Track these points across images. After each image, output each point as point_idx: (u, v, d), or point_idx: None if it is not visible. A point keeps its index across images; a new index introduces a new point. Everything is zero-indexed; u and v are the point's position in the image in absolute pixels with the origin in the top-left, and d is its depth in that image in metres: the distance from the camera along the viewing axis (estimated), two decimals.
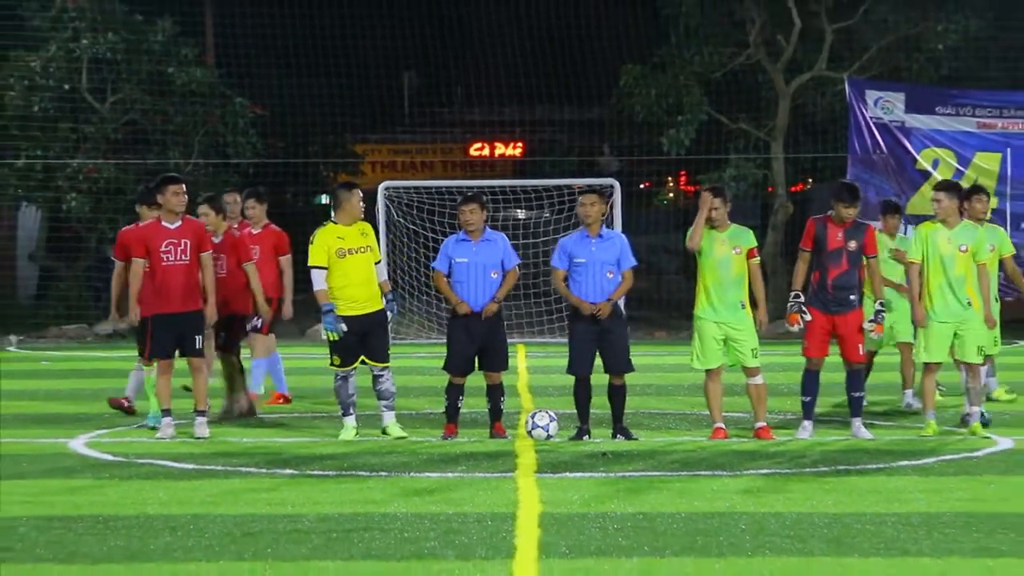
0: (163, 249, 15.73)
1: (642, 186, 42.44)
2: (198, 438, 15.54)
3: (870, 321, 15.58)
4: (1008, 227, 31.81)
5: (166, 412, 15.77)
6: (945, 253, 15.64)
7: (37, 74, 35.29)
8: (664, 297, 34.89)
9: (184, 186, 15.99)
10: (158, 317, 15.78)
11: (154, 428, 16.06)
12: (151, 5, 36.29)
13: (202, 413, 15.83)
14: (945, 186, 16.12)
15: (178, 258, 15.75)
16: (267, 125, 37.89)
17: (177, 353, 15.85)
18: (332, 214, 16.15)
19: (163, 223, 15.83)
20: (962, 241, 15.71)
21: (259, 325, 17.88)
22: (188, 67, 36.09)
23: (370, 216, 17.36)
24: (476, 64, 42.15)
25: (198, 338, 15.83)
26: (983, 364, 16.20)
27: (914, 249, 15.84)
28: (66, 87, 35.47)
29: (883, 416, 17.54)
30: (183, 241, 15.77)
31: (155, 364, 16.18)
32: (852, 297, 15.47)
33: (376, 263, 15.75)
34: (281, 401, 18.98)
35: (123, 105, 35.90)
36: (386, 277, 16.03)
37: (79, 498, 11.92)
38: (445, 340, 16.07)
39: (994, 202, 32.10)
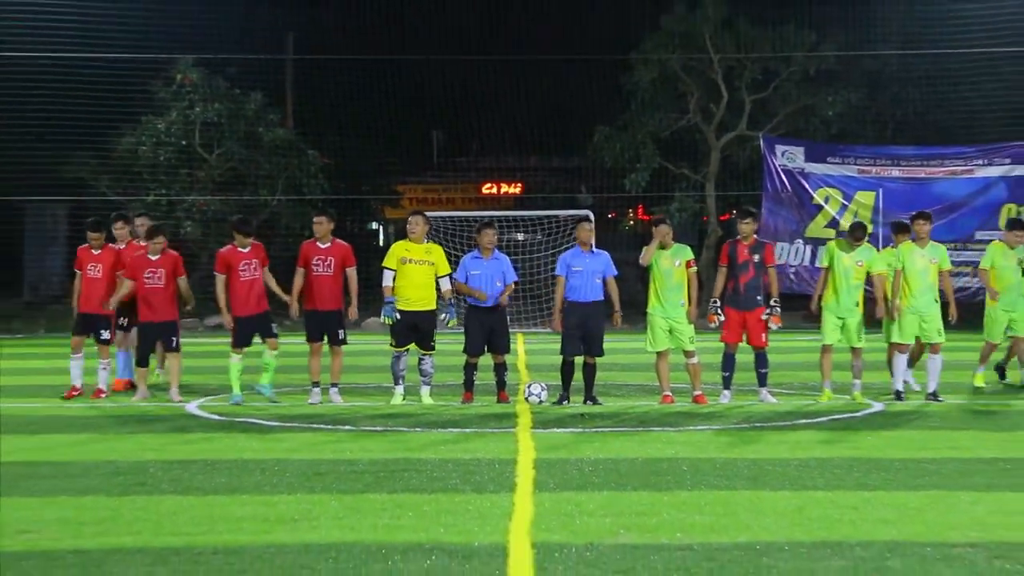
0: (314, 263, 15.64)
1: (610, 216, 42.54)
2: (335, 404, 15.40)
3: (768, 314, 15.61)
4: (880, 246, 31.93)
5: (315, 384, 15.65)
6: (847, 266, 15.71)
7: (162, 133, 35.35)
8: (626, 298, 34.92)
9: (325, 218, 15.82)
10: (308, 313, 15.67)
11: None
12: (246, 82, 36.40)
13: (335, 385, 15.69)
14: (857, 230, 16.02)
15: (324, 270, 15.63)
16: (332, 170, 37.93)
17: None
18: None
19: (317, 243, 15.69)
20: (859, 258, 15.78)
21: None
22: (273, 128, 36.19)
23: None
24: (486, 125, 42.16)
25: (340, 331, 15.67)
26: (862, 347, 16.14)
27: (826, 258, 15.91)
28: (183, 143, 35.55)
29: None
30: (330, 258, 15.64)
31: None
32: (758, 297, 15.60)
33: (440, 276, 15.46)
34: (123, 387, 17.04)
35: (225, 156, 35.95)
36: (449, 287, 15.59)
37: (193, 447, 11.92)
38: (463, 330, 16.09)
39: (869, 228, 32.22)
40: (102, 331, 16.33)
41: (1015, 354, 17.54)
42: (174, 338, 16.07)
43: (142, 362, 16.06)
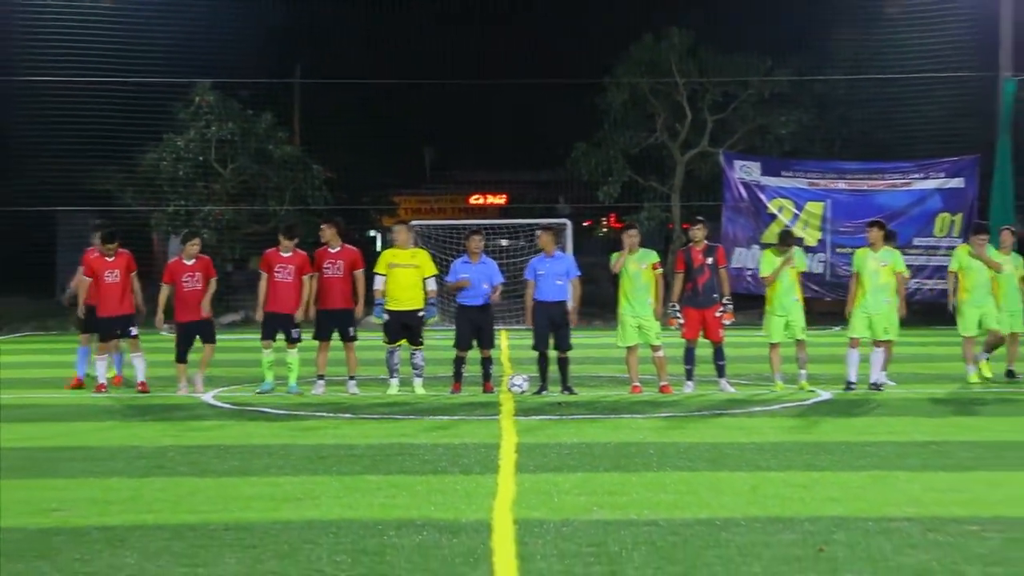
0: (325, 266, 15.59)
1: (585, 224, 42.52)
2: (352, 394, 15.29)
3: (721, 311, 15.67)
4: (828, 251, 32.08)
5: (320, 377, 15.58)
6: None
7: (181, 149, 35.20)
8: (599, 299, 34.90)
9: (327, 225, 15.75)
10: (320, 312, 15.60)
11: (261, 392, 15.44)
12: (257, 104, 36.30)
13: (352, 378, 15.57)
14: (786, 237, 16.05)
15: (335, 272, 15.57)
16: (334, 183, 37.80)
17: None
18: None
19: (328, 249, 15.66)
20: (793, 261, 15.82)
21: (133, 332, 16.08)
22: (282, 145, 36.04)
23: None
24: (475, 142, 42.14)
25: (351, 328, 15.57)
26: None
27: (765, 267, 15.89)
28: (200, 158, 35.39)
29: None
30: (339, 261, 15.59)
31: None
32: (715, 295, 15.66)
33: (425, 278, 15.43)
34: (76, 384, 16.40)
35: (238, 170, 35.80)
36: (433, 288, 15.60)
37: (208, 433, 11.91)
38: (454, 326, 16.07)
39: (818, 235, 32.35)
40: (131, 328, 16.17)
41: (998, 345, 17.01)
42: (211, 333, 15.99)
43: (181, 359, 15.93)
